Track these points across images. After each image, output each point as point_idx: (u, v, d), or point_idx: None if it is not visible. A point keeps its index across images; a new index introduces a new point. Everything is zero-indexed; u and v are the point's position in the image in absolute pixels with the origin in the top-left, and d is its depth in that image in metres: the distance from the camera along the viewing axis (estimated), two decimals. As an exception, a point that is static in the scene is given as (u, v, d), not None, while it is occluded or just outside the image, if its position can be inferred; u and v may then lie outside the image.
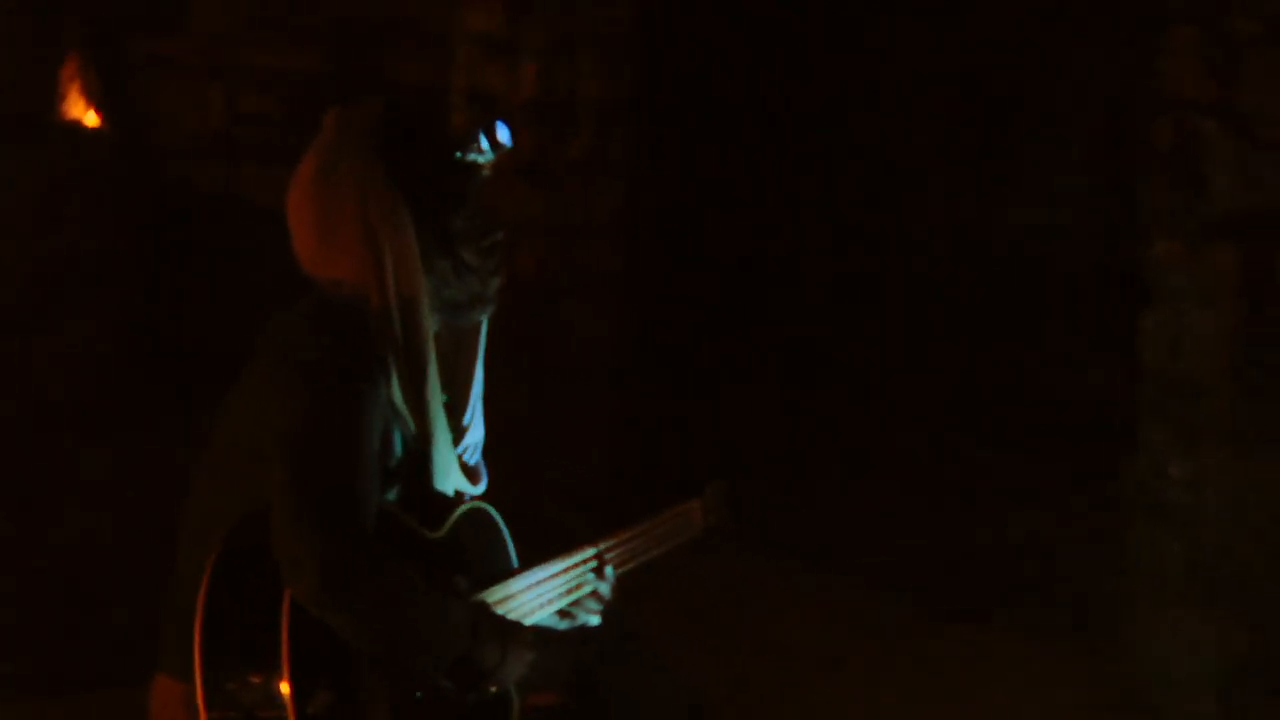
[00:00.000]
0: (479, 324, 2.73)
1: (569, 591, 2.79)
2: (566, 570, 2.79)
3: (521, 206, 5.68)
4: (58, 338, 5.36)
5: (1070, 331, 6.52)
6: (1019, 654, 4.62)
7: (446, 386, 2.69)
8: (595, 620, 2.85)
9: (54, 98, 5.44)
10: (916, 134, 7.03)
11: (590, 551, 2.82)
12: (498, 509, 2.80)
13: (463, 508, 2.70)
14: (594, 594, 2.82)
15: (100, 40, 5.53)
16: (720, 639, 4.68)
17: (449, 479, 2.70)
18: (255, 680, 2.37)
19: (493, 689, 2.56)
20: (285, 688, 2.33)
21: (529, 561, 2.77)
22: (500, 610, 2.66)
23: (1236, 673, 4.16)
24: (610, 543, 2.85)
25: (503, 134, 2.64)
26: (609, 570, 2.84)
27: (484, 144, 2.63)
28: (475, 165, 2.64)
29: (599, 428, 5.84)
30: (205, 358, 2.85)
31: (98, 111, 5.57)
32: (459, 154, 2.62)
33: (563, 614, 2.81)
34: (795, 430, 6.54)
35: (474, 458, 2.77)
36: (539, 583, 2.74)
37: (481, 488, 2.79)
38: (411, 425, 2.60)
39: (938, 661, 4.58)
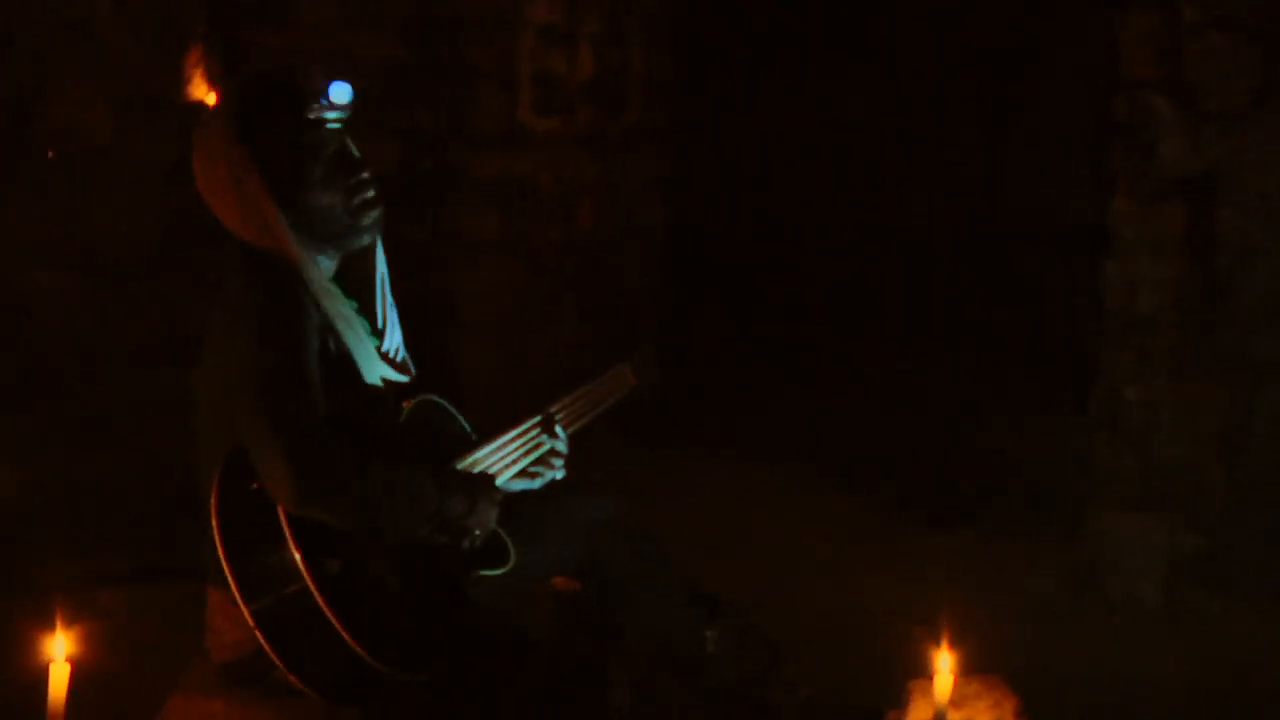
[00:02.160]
0: (371, 247, 2.94)
1: (528, 452, 3.03)
2: (521, 435, 3.03)
3: (581, 171, 6.09)
4: (182, 277, 5.54)
5: (1052, 280, 6.71)
6: (997, 552, 4.89)
7: (362, 306, 2.93)
8: (560, 475, 3.08)
9: (180, 81, 5.69)
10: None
11: (537, 418, 3.06)
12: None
13: (417, 399, 2.98)
14: (552, 451, 3.06)
15: (219, 31, 5.75)
16: (723, 540, 4.83)
17: (375, 372, 2.92)
18: (274, 563, 2.65)
19: (478, 533, 2.85)
20: (298, 557, 2.63)
21: (484, 435, 3.02)
22: None
23: (1176, 565, 4.54)
24: (555, 407, 3.09)
25: (337, 91, 2.82)
26: (559, 429, 3.07)
27: (324, 102, 2.81)
28: (323, 120, 2.82)
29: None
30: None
31: (217, 94, 5.77)
32: (307, 115, 2.81)
33: (529, 475, 3.05)
34: (798, 353, 6.82)
35: (400, 355, 3.00)
36: (498, 449, 2.99)
37: (411, 377, 3.02)
38: (342, 336, 2.84)
39: (926, 558, 4.84)
